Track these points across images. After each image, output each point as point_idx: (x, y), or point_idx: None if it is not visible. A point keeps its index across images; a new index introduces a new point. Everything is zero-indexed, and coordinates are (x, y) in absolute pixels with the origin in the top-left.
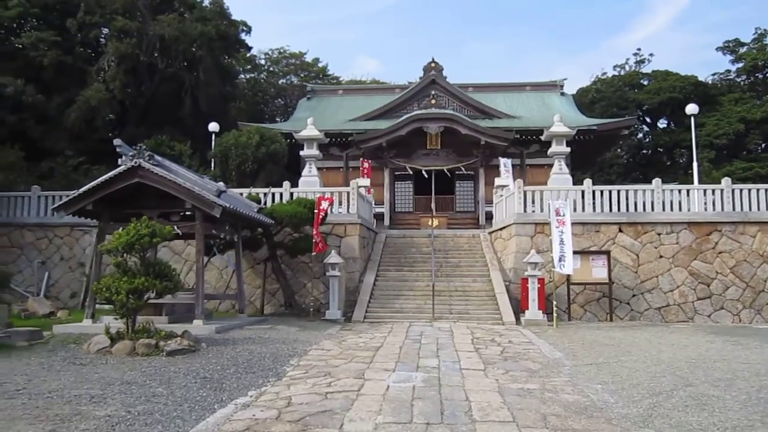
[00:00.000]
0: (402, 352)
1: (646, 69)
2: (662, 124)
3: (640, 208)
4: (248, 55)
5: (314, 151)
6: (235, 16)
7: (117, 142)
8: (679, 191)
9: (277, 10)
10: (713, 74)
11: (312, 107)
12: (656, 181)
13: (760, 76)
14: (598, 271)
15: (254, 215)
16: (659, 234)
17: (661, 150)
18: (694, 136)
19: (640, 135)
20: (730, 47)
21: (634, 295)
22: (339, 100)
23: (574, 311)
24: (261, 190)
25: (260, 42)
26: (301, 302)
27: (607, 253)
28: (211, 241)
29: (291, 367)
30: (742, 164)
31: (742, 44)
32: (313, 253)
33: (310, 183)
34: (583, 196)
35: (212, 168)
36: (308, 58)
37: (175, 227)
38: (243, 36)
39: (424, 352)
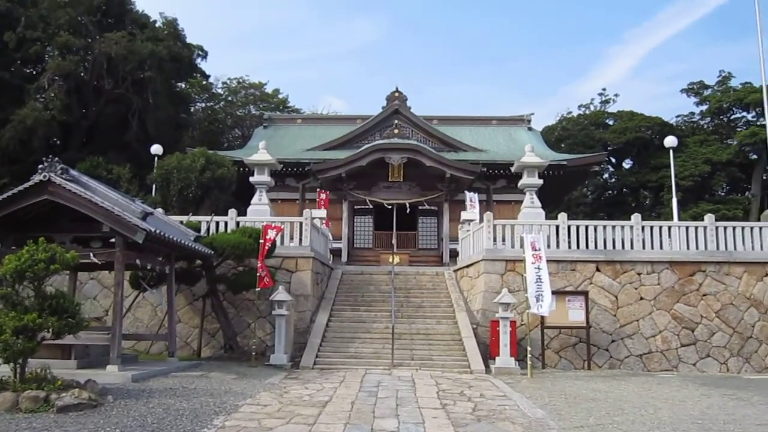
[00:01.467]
0: (354, 409)
1: (612, 109)
2: (627, 164)
3: (618, 245)
4: (204, 82)
5: (265, 178)
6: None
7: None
8: (660, 228)
9: (239, 46)
10: (677, 116)
11: (268, 136)
12: (635, 217)
13: (725, 118)
14: (575, 313)
15: (189, 244)
16: (639, 274)
17: (626, 190)
18: (673, 171)
19: (606, 175)
20: (695, 89)
21: (613, 341)
22: (297, 129)
23: (548, 358)
24: (202, 218)
25: (219, 73)
26: (244, 344)
27: (585, 293)
28: (141, 273)
29: (212, 429)
30: (708, 206)
31: (707, 87)
32: (257, 289)
33: (260, 212)
34: (557, 232)
35: (153, 194)
36: (269, 89)
37: (92, 255)
38: (199, 61)
39: (381, 409)
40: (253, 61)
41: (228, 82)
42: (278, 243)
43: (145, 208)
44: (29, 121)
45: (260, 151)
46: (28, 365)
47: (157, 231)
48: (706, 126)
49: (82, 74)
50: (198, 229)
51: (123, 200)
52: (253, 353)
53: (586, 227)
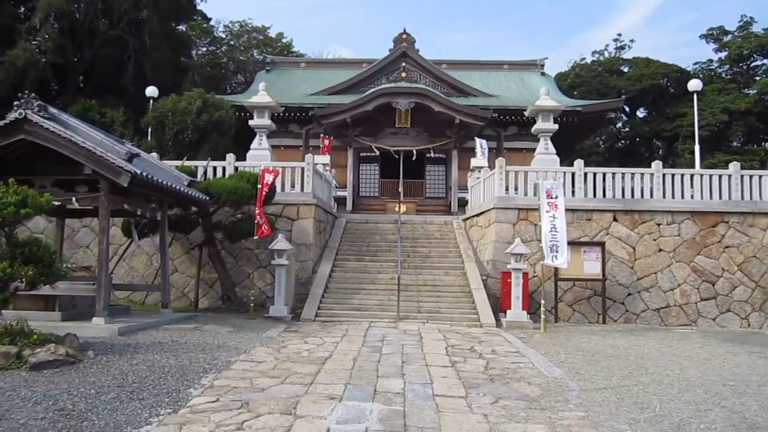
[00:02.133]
0: (356, 366)
1: (627, 55)
2: (641, 113)
3: (637, 194)
4: (205, 25)
5: (266, 121)
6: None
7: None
8: (682, 177)
9: None
10: (695, 64)
11: (271, 80)
12: (656, 164)
13: (744, 66)
14: (591, 265)
15: (182, 189)
16: (659, 224)
17: (639, 140)
18: (696, 117)
19: (619, 124)
20: (714, 35)
21: (629, 294)
22: (301, 73)
23: (561, 311)
24: (198, 163)
25: (221, 16)
26: (244, 295)
27: (602, 244)
28: (132, 219)
29: (199, 389)
30: (725, 157)
31: (727, 32)
32: (256, 237)
33: (260, 157)
34: (573, 180)
35: (149, 138)
36: (272, 34)
37: (74, 200)
38: (198, 2)
39: (385, 367)
40: (257, 8)
41: (230, 25)
42: (279, 189)
43: (131, 149)
44: (20, 63)
45: (260, 93)
46: (2, 317)
47: (145, 174)
48: (724, 74)
49: (75, 14)
50: (193, 174)
51: (108, 141)
52: (252, 305)
53: (604, 175)
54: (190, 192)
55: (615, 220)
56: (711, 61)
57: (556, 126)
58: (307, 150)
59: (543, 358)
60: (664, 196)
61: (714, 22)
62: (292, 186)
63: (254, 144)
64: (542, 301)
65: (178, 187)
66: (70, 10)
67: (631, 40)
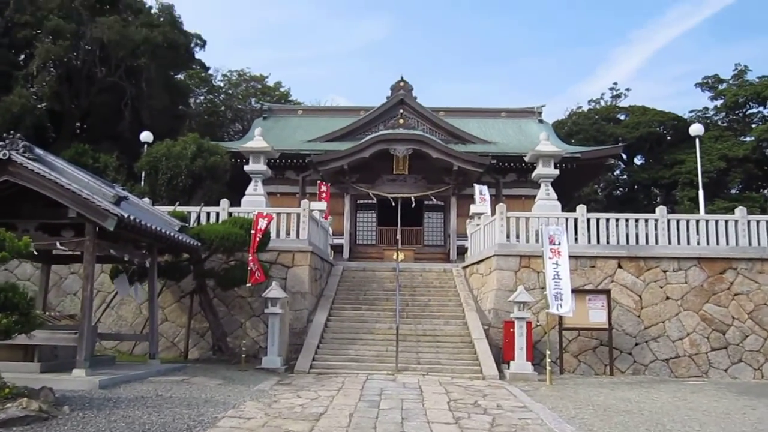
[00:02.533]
0: (352, 423)
1: (623, 104)
2: (638, 161)
3: (642, 240)
4: (204, 74)
5: (261, 166)
6: (208, 54)
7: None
8: (687, 222)
9: (241, 44)
10: (691, 111)
11: (268, 127)
12: (660, 210)
13: (740, 113)
14: (596, 313)
15: (172, 234)
16: (665, 271)
17: (637, 188)
18: (699, 161)
19: (617, 172)
20: (710, 83)
21: (637, 344)
22: (298, 120)
23: (566, 362)
24: (191, 209)
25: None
26: (236, 345)
27: (607, 292)
28: (120, 266)
29: None
30: (724, 203)
31: (722, 81)
32: (249, 284)
33: (255, 203)
34: (575, 226)
35: (142, 184)
36: (270, 83)
37: (58, 244)
38: (197, 51)
39: (384, 424)
40: (255, 60)
41: (228, 74)
42: (274, 236)
43: (119, 192)
44: (16, 109)
45: (256, 138)
46: None
47: (132, 218)
48: (720, 122)
49: (73, 61)
50: (185, 220)
51: (95, 183)
52: (243, 356)
53: (607, 220)
54: (180, 237)
55: (620, 266)
56: (707, 108)
57: (557, 171)
58: (304, 197)
59: (552, 414)
60: (669, 242)
61: (705, 72)
62: (287, 233)
63: (249, 190)
64: (547, 352)
65: (168, 232)
66: (68, 57)
67: (627, 89)
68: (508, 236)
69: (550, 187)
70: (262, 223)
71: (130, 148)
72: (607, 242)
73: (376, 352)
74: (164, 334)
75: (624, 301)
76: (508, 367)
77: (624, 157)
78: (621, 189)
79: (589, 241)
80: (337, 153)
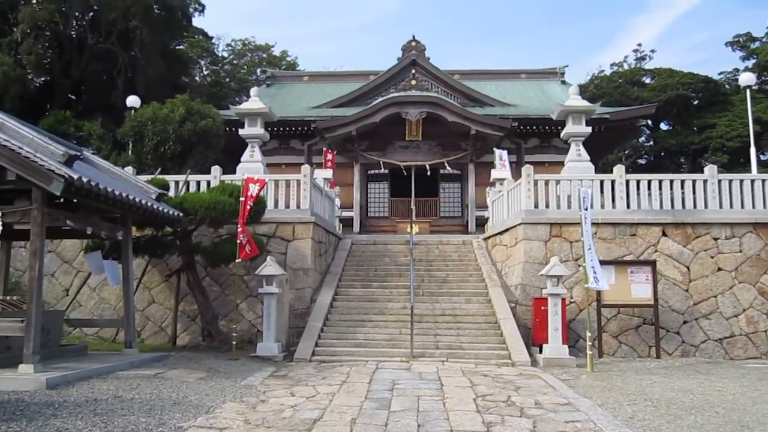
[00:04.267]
0: None
1: (648, 66)
2: (664, 126)
3: (689, 204)
4: (205, 44)
5: (258, 130)
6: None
7: None
8: (741, 183)
9: (247, 21)
10: (720, 73)
11: (271, 95)
12: (710, 169)
13: None
14: (639, 288)
15: (145, 203)
16: (716, 239)
17: (664, 155)
18: (750, 115)
19: (642, 138)
20: (741, 42)
21: (685, 322)
22: (303, 87)
23: (605, 344)
24: (176, 177)
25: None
26: (230, 330)
27: (652, 263)
28: (91, 242)
29: None
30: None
31: (754, 39)
32: (238, 260)
33: (251, 171)
34: (612, 189)
35: (129, 153)
36: (276, 52)
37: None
38: (195, 16)
39: (395, 431)
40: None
41: (232, 44)
42: (272, 206)
43: (71, 150)
44: None
45: (251, 99)
46: None
47: (86, 181)
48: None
49: (62, 27)
50: (166, 188)
51: (42, 140)
52: (234, 342)
53: (649, 182)
54: (157, 207)
55: (664, 234)
56: (737, 70)
57: (589, 129)
58: (311, 167)
59: (605, 415)
60: (721, 206)
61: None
62: (287, 205)
63: (245, 156)
64: (587, 333)
65: (139, 200)
66: (55, 22)
67: (652, 50)
68: (536, 204)
69: (582, 147)
70: (254, 189)
71: (123, 119)
72: (650, 207)
73: (387, 336)
74: (151, 318)
75: (669, 273)
76: (540, 351)
77: (650, 123)
78: (646, 156)
79: (628, 206)
80: (344, 118)
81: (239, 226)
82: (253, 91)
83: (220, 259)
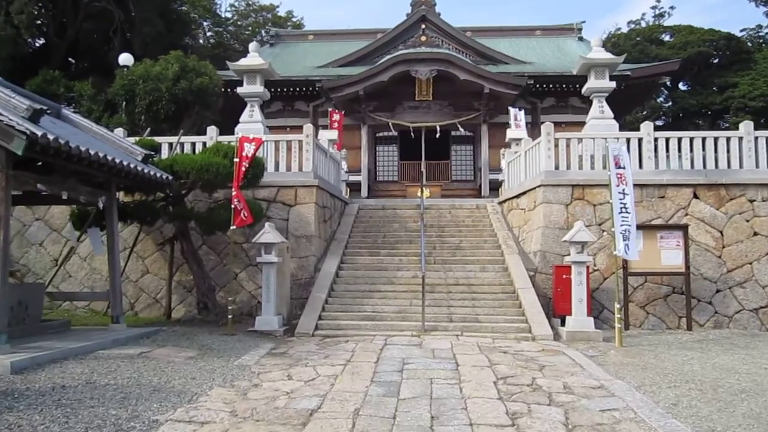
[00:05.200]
0: (356, 429)
1: (667, 23)
2: (682, 87)
3: (722, 164)
4: (206, 3)
5: (257, 88)
6: None
7: None
8: None
9: None
10: (743, 30)
11: (275, 54)
12: (746, 125)
13: None
14: (669, 255)
15: (128, 165)
16: (752, 201)
17: (683, 115)
18: None
19: (661, 98)
20: None
21: (718, 291)
22: (308, 46)
23: (632, 314)
24: (168, 139)
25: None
26: (228, 302)
27: (684, 227)
28: (73, 207)
29: None
30: None
31: None
32: (233, 227)
33: (250, 131)
34: (639, 148)
35: (122, 114)
36: (281, 12)
37: None
38: None
39: (404, 430)
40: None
41: (236, 4)
42: (272, 169)
43: (35, 104)
44: None
45: (250, 55)
46: None
47: (52, 138)
48: None
49: None
50: (155, 149)
51: (5, 93)
52: (231, 315)
53: (679, 140)
54: (142, 169)
55: (695, 196)
56: (760, 27)
57: (613, 84)
58: (316, 130)
59: (645, 401)
60: (757, 166)
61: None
62: (288, 167)
63: (244, 116)
64: (616, 305)
65: (120, 161)
66: None
67: (672, 7)
68: (557, 165)
69: (605, 104)
70: (249, 149)
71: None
72: (680, 167)
73: (397, 308)
74: (145, 289)
75: (701, 238)
76: (563, 324)
77: (668, 83)
78: (664, 117)
79: (657, 166)
80: (351, 77)
81: (234, 189)
82: (252, 46)
83: (215, 226)
